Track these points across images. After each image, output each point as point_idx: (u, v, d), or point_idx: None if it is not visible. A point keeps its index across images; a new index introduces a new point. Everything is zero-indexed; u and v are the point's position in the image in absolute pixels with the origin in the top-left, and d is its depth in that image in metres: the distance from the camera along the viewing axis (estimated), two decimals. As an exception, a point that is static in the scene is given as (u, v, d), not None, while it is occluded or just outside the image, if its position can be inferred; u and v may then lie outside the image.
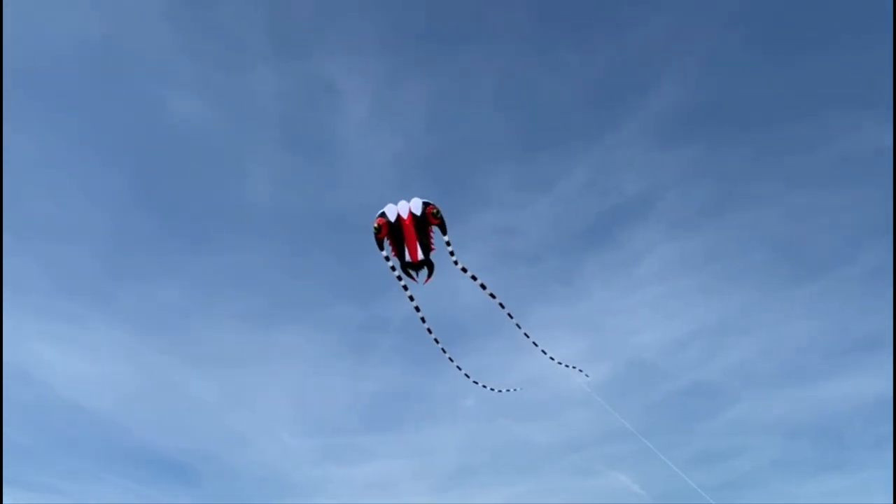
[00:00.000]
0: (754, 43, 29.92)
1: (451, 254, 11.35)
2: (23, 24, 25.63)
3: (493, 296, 11.83)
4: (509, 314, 12.18)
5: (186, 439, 27.59)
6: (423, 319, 11.88)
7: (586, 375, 15.28)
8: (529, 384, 28.87)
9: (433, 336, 12.31)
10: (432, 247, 11.38)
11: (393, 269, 11.31)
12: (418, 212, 10.92)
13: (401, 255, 11.37)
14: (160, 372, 28.65)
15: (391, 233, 11.09)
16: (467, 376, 13.35)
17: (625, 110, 32.08)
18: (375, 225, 10.80)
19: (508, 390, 14.22)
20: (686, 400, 27.99)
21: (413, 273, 11.58)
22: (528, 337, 13.25)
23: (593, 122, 32.33)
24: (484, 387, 13.79)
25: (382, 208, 11.02)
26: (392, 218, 10.92)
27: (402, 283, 11.50)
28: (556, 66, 32.13)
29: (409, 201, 11.00)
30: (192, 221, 31.70)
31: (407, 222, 10.91)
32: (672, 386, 28.64)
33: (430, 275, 11.58)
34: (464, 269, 11.44)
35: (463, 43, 31.86)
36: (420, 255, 11.26)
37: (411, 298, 11.69)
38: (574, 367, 14.86)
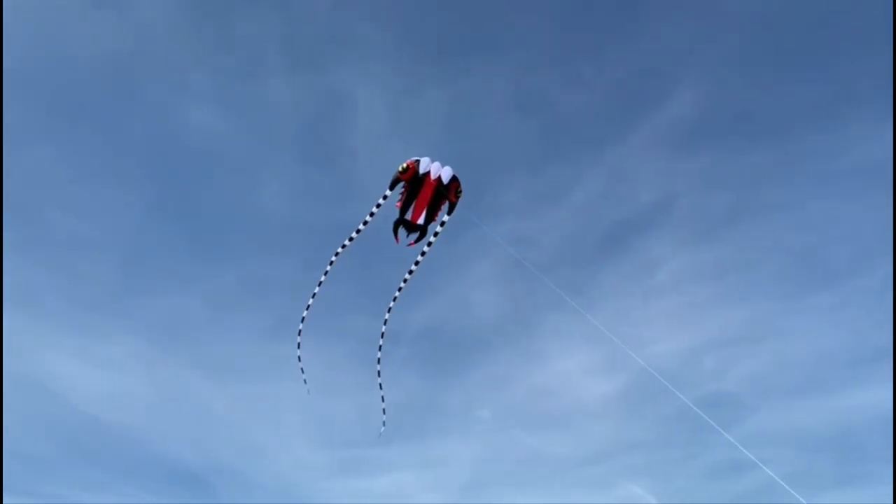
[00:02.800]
0: (771, 51, 30.06)
1: (436, 234, 11.06)
2: (39, 38, 26.19)
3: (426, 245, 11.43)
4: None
5: (202, 451, 27.88)
6: (347, 242, 11.28)
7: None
8: (544, 394, 29.15)
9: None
10: (435, 217, 11.10)
11: (377, 205, 10.90)
12: (445, 180, 10.66)
13: (404, 209, 11.07)
14: (176, 384, 28.85)
15: (411, 181, 10.78)
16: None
17: (639, 119, 32.17)
18: (404, 165, 10.51)
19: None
20: (702, 411, 27.88)
21: (403, 232, 11.22)
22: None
23: (608, 130, 32.28)
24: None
25: (417, 157, 10.72)
26: (422, 169, 10.59)
27: (373, 209, 10.96)
28: (570, 75, 32.32)
29: (442, 166, 10.72)
30: (209, 233, 32.04)
31: (431, 182, 10.62)
32: (688, 397, 28.28)
33: (417, 240, 11.25)
34: (429, 243, 11.12)
35: (478, 53, 32.10)
36: (421, 220, 11.00)
37: (371, 215, 11.03)
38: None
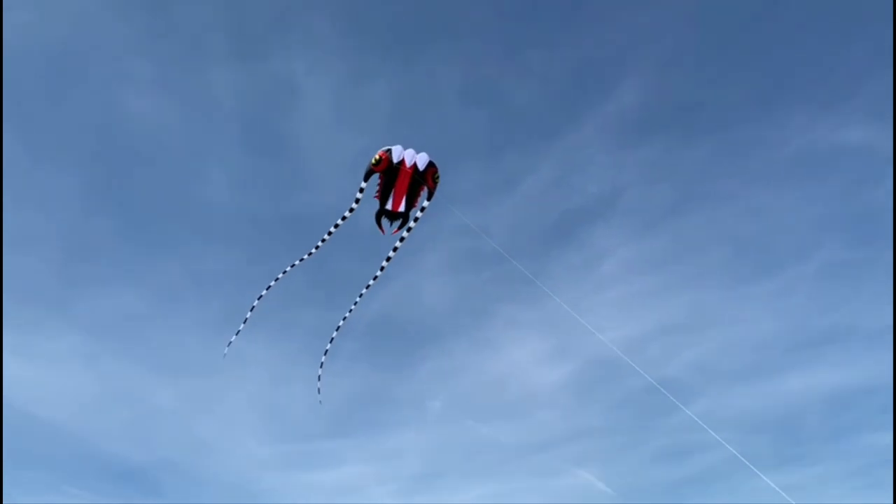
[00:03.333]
0: (714, 44, 30.90)
1: (416, 220, 11.08)
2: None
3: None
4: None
5: (148, 448, 27.44)
6: (330, 232, 11.30)
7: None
8: (496, 384, 29.15)
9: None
10: (415, 204, 11.13)
11: (356, 201, 10.90)
12: (421, 166, 10.65)
13: (383, 200, 11.06)
14: (119, 380, 28.33)
15: (385, 172, 10.77)
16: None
17: (587, 110, 33.05)
18: (377, 156, 10.45)
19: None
20: (648, 397, 28.04)
21: (386, 222, 11.34)
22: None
23: (557, 121, 32.83)
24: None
25: (389, 146, 10.73)
26: (395, 159, 10.56)
27: (351, 206, 10.95)
28: (519, 66, 32.74)
29: (417, 152, 10.70)
30: (151, 225, 31.45)
31: (406, 170, 10.61)
32: (634, 383, 28.59)
33: (400, 227, 11.34)
34: (409, 229, 11.17)
35: (426, 43, 32.40)
36: (402, 207, 11.05)
37: (350, 211, 11.01)
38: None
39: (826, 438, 26.39)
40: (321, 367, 13.12)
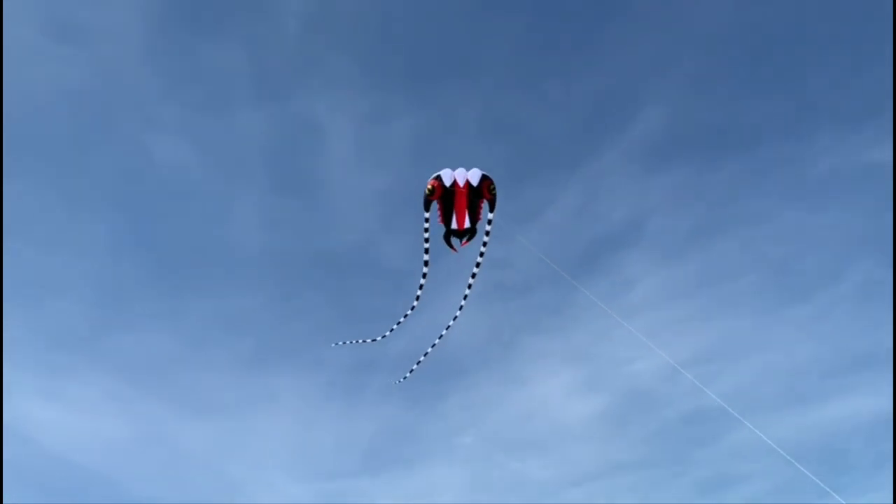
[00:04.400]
0: (736, 66, 30.59)
1: (487, 234, 11.29)
2: (2, 75, 26.40)
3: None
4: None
5: (181, 491, 27.18)
6: (422, 278, 11.64)
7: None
8: (526, 417, 28.57)
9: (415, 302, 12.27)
10: (479, 218, 11.39)
11: (426, 230, 11.25)
12: (475, 182, 10.89)
13: (447, 222, 11.36)
14: (151, 422, 28.43)
15: (442, 197, 11.07)
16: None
17: (609, 137, 32.27)
18: (429, 186, 10.77)
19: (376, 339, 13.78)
20: (685, 428, 27.99)
21: (454, 241, 11.64)
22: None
23: (578, 150, 32.33)
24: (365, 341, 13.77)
25: (438, 171, 11.03)
26: (447, 183, 10.84)
27: (426, 245, 11.40)
28: (538, 96, 32.57)
29: (467, 170, 10.93)
30: (180, 267, 31.68)
31: (461, 190, 10.86)
32: (670, 414, 28.65)
33: (469, 239, 11.59)
34: (484, 243, 11.51)
35: (445, 78, 32.38)
36: (467, 224, 11.31)
37: (426, 264, 11.47)
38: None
39: (871, 467, 25.47)
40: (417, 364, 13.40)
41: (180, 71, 29.36)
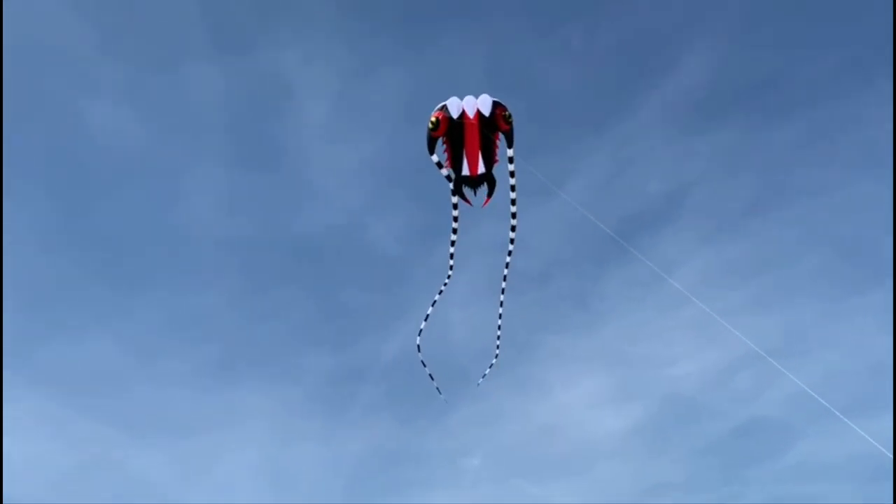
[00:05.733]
0: (797, 4, 28.74)
1: (512, 174, 10.43)
2: None
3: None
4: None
5: None
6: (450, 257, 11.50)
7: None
8: (547, 433, 26.32)
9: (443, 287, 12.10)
10: (496, 158, 10.68)
11: (449, 178, 10.60)
12: (487, 111, 10.05)
13: (457, 167, 10.71)
14: (96, 447, 27.18)
15: (449, 133, 10.27)
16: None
17: (642, 93, 30.59)
18: (433, 119, 10.10)
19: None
20: (738, 442, 26.71)
21: (469, 192, 11.03)
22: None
23: (605, 108, 30.91)
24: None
25: (443, 102, 10.19)
26: (454, 114, 10.06)
27: (454, 200, 10.82)
28: (556, 44, 30.84)
29: (475, 97, 10.16)
30: (124, 260, 30.07)
31: (472, 122, 10.15)
32: (720, 426, 27.51)
33: (490, 194, 10.89)
34: (513, 202, 10.67)
35: (444, 20, 30.69)
36: (481, 168, 10.64)
37: (454, 231, 11.12)
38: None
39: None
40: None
41: (118, 21, 27.50)
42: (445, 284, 12.19)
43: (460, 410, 27.38)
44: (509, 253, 11.61)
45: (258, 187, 31.21)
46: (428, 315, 12.58)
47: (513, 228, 11.02)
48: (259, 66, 29.62)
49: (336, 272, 30.82)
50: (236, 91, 29.80)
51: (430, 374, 13.32)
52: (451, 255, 11.69)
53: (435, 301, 12.44)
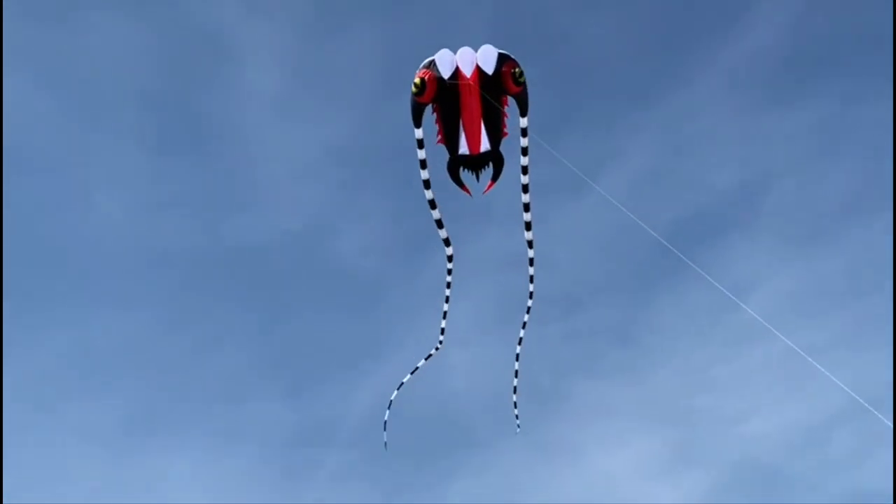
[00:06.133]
0: None
1: (525, 151, 10.01)
2: None
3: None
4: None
5: None
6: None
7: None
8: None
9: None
10: (505, 131, 10.30)
11: (423, 164, 10.32)
12: (490, 68, 9.69)
13: (452, 143, 10.38)
14: None
15: (440, 98, 9.85)
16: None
17: (701, 54, 28.49)
18: (416, 80, 9.81)
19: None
20: None
21: (469, 178, 10.86)
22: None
23: (651, 75, 28.98)
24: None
25: (431, 56, 9.80)
26: (445, 73, 9.71)
27: (436, 216, 10.78)
28: None
29: (474, 50, 9.87)
30: (9, 282, 26.02)
31: (470, 83, 9.84)
32: (809, 499, 25.21)
33: (495, 177, 10.62)
34: (525, 188, 10.50)
35: None
36: (485, 145, 10.33)
37: (449, 271, 11.44)
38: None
39: None
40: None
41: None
42: (433, 354, 12.61)
43: (462, 480, 27.56)
44: (531, 278, 11.62)
45: (186, 182, 29.05)
46: (403, 383, 12.92)
47: (527, 227, 10.57)
48: (186, 18, 27.24)
49: (290, 295, 29.18)
50: (156, 51, 27.39)
51: (384, 421, 13.60)
52: (444, 314, 11.94)
53: (417, 368, 12.80)
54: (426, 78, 9.75)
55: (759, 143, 29.87)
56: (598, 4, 30.52)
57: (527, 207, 10.58)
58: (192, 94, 29.57)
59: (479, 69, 9.69)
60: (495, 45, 9.18)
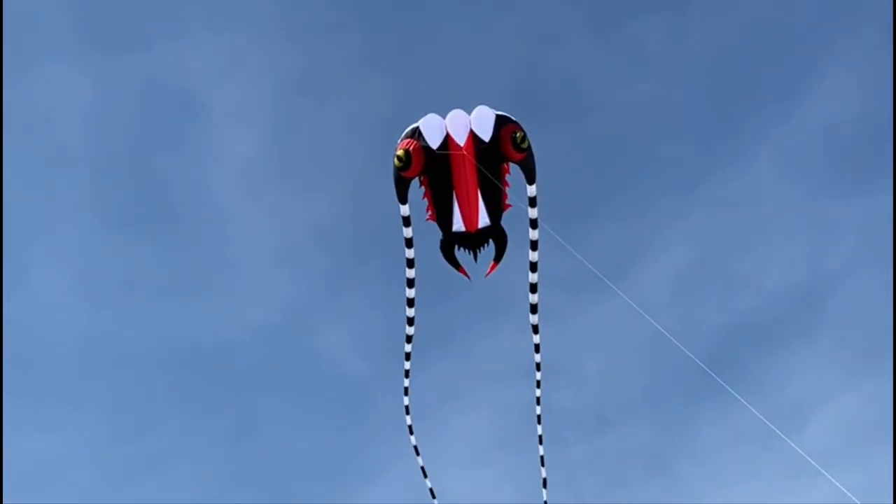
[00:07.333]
0: None
1: (534, 223, 9.80)
2: None
3: None
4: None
5: None
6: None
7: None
8: None
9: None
10: (506, 203, 10.12)
11: (408, 243, 10.41)
12: (487, 135, 9.67)
13: (445, 219, 10.20)
14: None
15: (429, 170, 9.88)
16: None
17: (758, 126, 26.39)
18: (399, 152, 9.82)
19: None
20: None
21: (465, 258, 10.85)
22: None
23: (698, 153, 27.09)
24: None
25: (415, 123, 9.91)
26: (434, 142, 9.66)
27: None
28: (624, 50, 27.55)
29: (467, 112, 9.93)
30: None
31: (464, 152, 9.86)
32: None
33: (498, 257, 10.62)
34: (533, 266, 10.66)
35: (445, 8, 27.74)
36: (484, 220, 10.21)
37: (407, 356, 11.74)
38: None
39: None
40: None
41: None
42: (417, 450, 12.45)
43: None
44: (538, 383, 11.55)
45: (142, 264, 27.23)
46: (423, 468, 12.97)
47: (535, 330, 10.40)
48: (151, 70, 25.95)
49: (264, 403, 26.73)
50: (112, 106, 25.73)
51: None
52: (406, 390, 11.92)
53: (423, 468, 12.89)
54: (410, 149, 9.91)
55: (820, 236, 28.13)
56: (634, 66, 28.33)
57: (534, 309, 10.56)
58: (152, 158, 27.50)
59: (473, 135, 9.81)
60: (506, 110, 8.75)
